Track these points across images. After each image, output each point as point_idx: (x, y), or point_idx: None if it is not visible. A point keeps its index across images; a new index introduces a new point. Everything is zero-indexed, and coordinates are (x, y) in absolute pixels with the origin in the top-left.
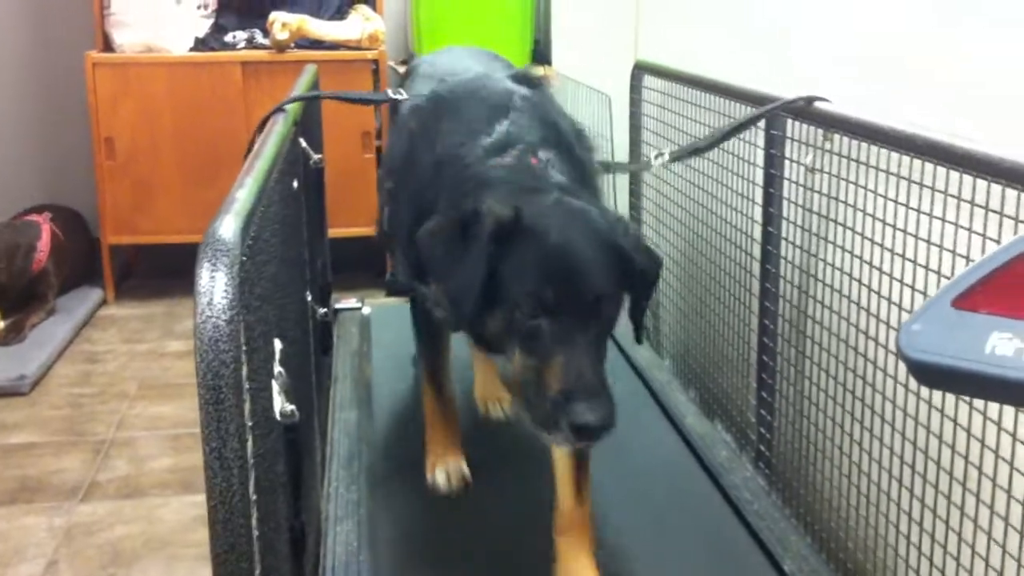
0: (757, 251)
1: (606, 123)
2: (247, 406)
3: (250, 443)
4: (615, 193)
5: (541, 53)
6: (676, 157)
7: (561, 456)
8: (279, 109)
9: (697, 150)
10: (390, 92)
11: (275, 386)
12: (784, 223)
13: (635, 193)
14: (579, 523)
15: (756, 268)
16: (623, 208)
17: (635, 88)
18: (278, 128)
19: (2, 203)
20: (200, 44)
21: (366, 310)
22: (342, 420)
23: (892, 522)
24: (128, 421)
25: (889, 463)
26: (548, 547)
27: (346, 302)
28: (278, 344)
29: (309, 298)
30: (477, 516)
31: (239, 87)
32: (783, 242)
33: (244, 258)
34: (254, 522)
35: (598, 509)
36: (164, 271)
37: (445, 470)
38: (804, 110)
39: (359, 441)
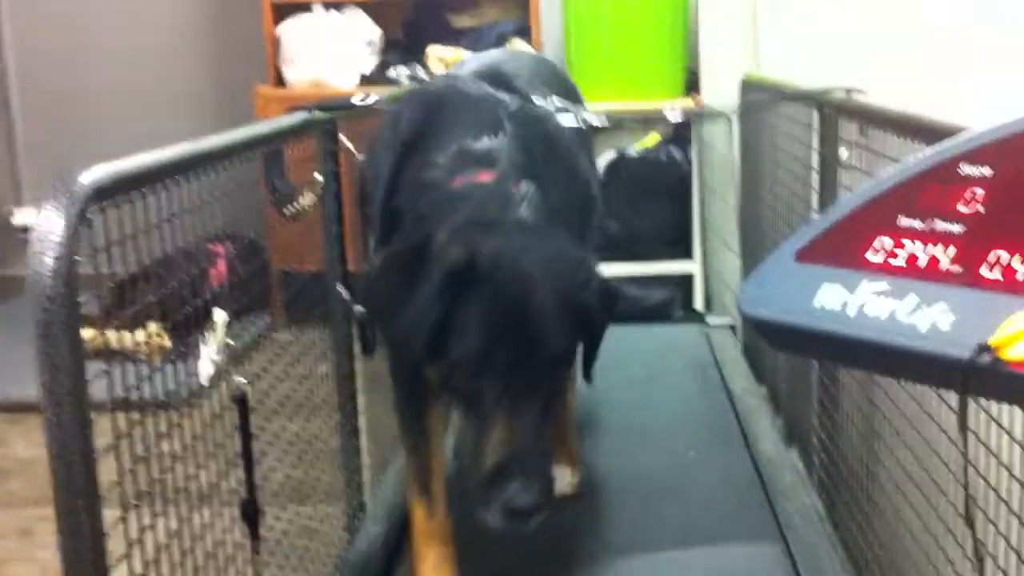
0: None
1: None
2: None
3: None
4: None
5: (695, 84)
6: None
7: None
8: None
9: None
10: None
11: (207, 354)
12: None
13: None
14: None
15: None
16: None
17: (744, 103)
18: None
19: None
20: (365, 80)
21: None
22: None
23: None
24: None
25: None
26: None
27: None
28: (220, 315)
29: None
30: None
31: None
32: None
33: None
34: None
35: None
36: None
37: None
38: (840, 103)
39: None
